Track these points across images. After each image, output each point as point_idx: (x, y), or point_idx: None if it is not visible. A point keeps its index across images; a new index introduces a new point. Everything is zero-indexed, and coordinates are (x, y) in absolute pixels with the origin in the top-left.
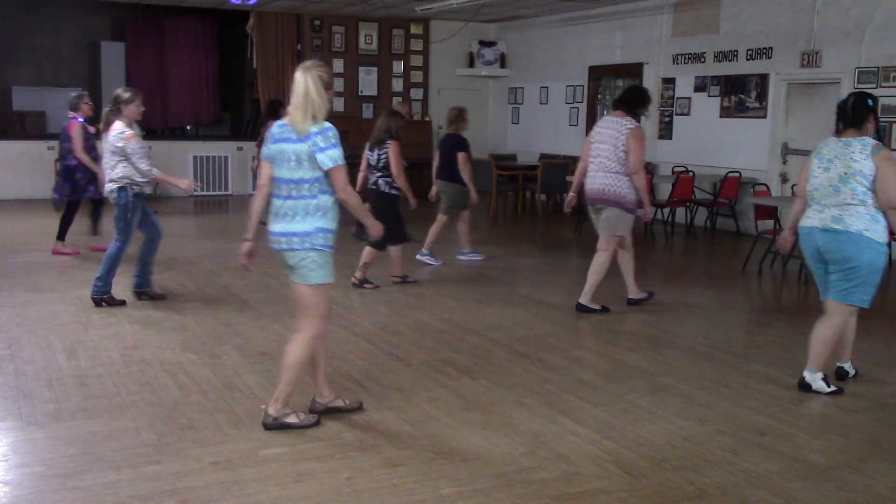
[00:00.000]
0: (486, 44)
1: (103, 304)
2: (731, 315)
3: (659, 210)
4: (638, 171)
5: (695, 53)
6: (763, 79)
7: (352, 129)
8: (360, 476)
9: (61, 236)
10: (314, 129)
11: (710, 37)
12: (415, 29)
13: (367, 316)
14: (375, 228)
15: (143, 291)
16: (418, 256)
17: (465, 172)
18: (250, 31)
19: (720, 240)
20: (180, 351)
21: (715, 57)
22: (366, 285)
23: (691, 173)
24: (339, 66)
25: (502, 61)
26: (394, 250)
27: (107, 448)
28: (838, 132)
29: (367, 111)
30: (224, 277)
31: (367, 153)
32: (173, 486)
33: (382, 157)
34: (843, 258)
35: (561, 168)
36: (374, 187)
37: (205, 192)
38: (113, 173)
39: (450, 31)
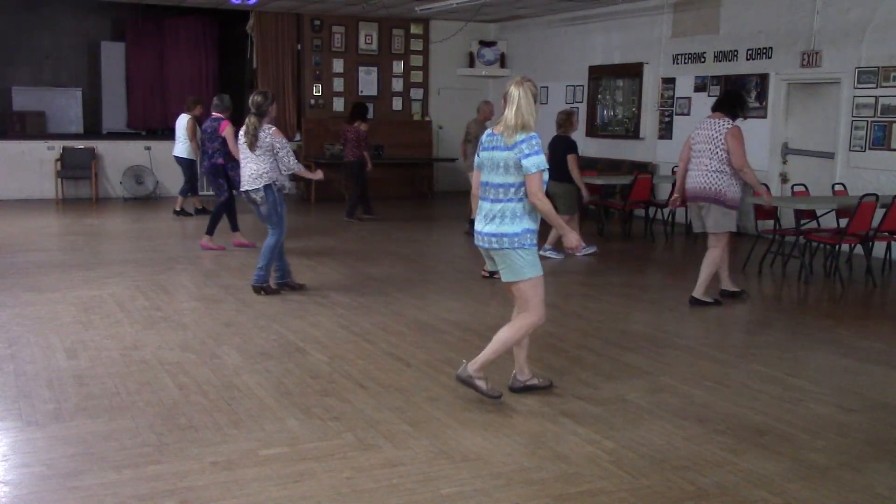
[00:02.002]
0: (486, 44)
1: (262, 292)
2: (731, 315)
3: (659, 210)
4: (743, 167)
5: (695, 53)
6: (763, 79)
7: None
8: (360, 476)
9: (210, 231)
10: (520, 137)
11: (710, 37)
12: (415, 29)
13: (367, 316)
14: (569, 238)
15: (285, 283)
16: (541, 252)
17: (574, 172)
18: (250, 31)
19: None
20: (180, 351)
21: (715, 57)
22: (495, 275)
23: None
24: (339, 66)
25: (502, 61)
26: None
27: (107, 448)
28: None
29: (367, 111)
30: (224, 277)
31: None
32: (173, 486)
33: None
34: None
35: None
36: None
37: (204, 192)
38: (258, 171)
39: (450, 31)
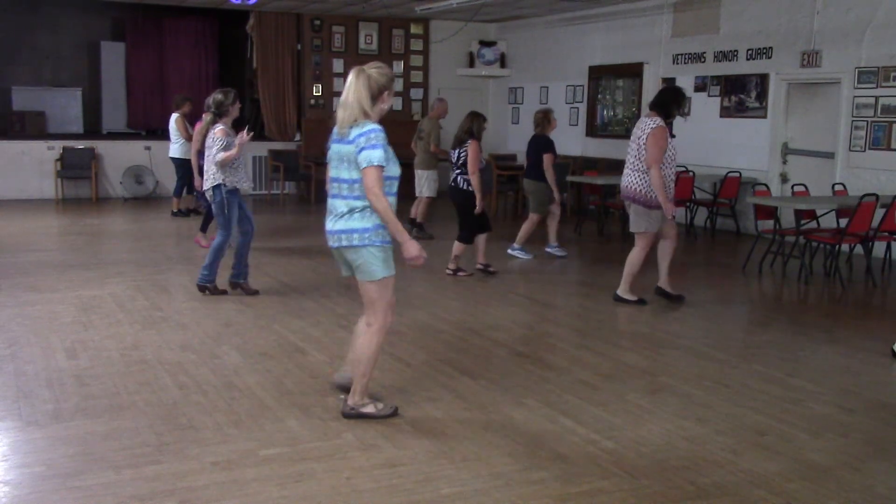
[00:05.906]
0: (486, 44)
1: (207, 291)
2: (731, 315)
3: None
4: (651, 167)
5: (695, 53)
6: (763, 79)
7: None
8: (360, 476)
9: (203, 228)
10: (357, 130)
11: (710, 37)
12: (415, 29)
13: None
14: (407, 248)
15: (238, 283)
16: (509, 251)
17: (548, 173)
18: (250, 31)
19: (720, 240)
20: (180, 351)
21: (715, 57)
22: (459, 273)
23: (691, 173)
24: (339, 66)
25: (502, 61)
26: (479, 238)
27: (107, 448)
28: None
29: None
30: (224, 277)
31: (450, 152)
32: (173, 486)
33: (462, 155)
34: None
35: (561, 168)
36: (454, 184)
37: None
38: (210, 170)
39: (450, 31)
